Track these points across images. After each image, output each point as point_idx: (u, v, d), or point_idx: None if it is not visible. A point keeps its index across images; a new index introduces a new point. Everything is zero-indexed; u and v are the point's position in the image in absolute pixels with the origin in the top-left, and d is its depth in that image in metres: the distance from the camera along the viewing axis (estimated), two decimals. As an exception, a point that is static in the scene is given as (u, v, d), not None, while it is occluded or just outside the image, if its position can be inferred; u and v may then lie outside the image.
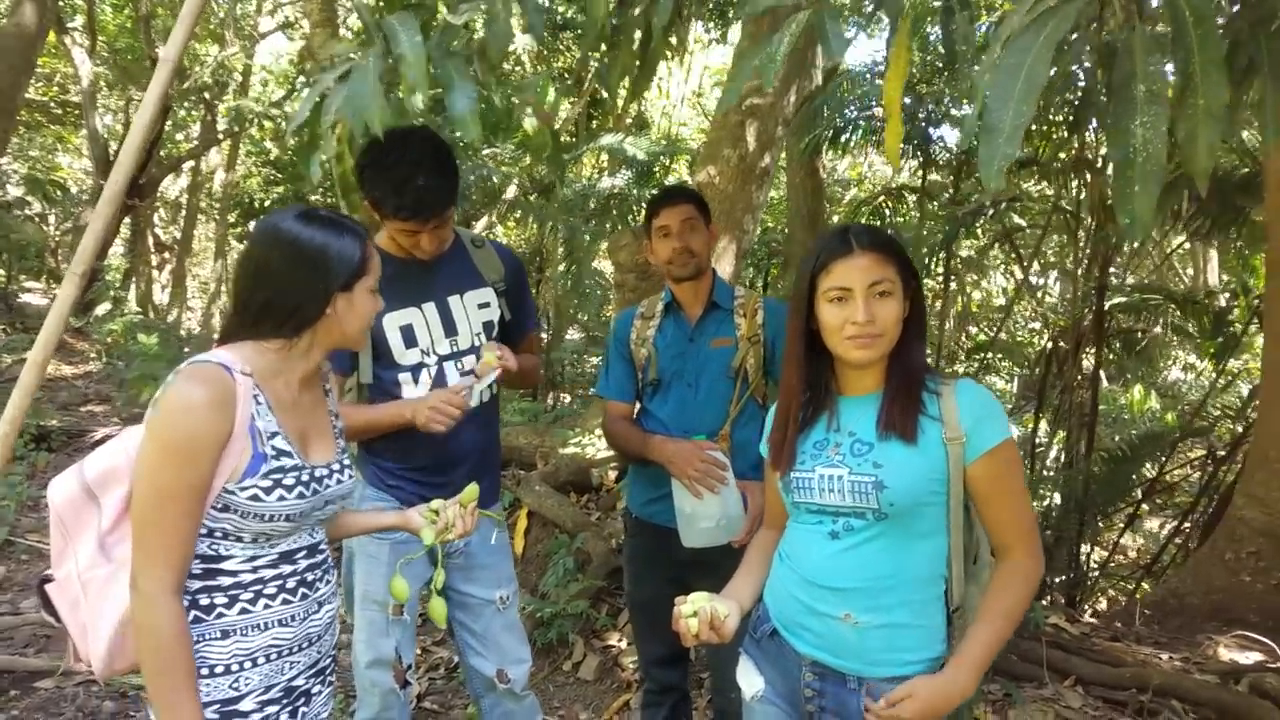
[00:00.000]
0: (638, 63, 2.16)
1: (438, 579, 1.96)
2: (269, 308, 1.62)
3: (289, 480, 1.60)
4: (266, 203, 12.57)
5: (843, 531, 1.69)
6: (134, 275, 16.16)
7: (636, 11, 2.07)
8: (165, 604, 1.48)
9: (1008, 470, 1.65)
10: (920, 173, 7.98)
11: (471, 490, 1.98)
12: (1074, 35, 1.25)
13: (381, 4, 2.22)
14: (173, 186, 19.56)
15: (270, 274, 1.62)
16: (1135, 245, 8.02)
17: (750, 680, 1.86)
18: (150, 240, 17.05)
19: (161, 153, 14.58)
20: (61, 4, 12.13)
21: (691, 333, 2.60)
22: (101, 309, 12.68)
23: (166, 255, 18.49)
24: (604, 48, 2.27)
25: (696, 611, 1.69)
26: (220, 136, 15.92)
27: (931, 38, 6.97)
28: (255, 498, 1.56)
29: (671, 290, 2.65)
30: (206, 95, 14.74)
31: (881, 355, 1.69)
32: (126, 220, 14.92)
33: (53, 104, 16.00)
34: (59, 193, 15.03)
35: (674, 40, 2.22)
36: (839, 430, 1.74)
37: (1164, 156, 1.22)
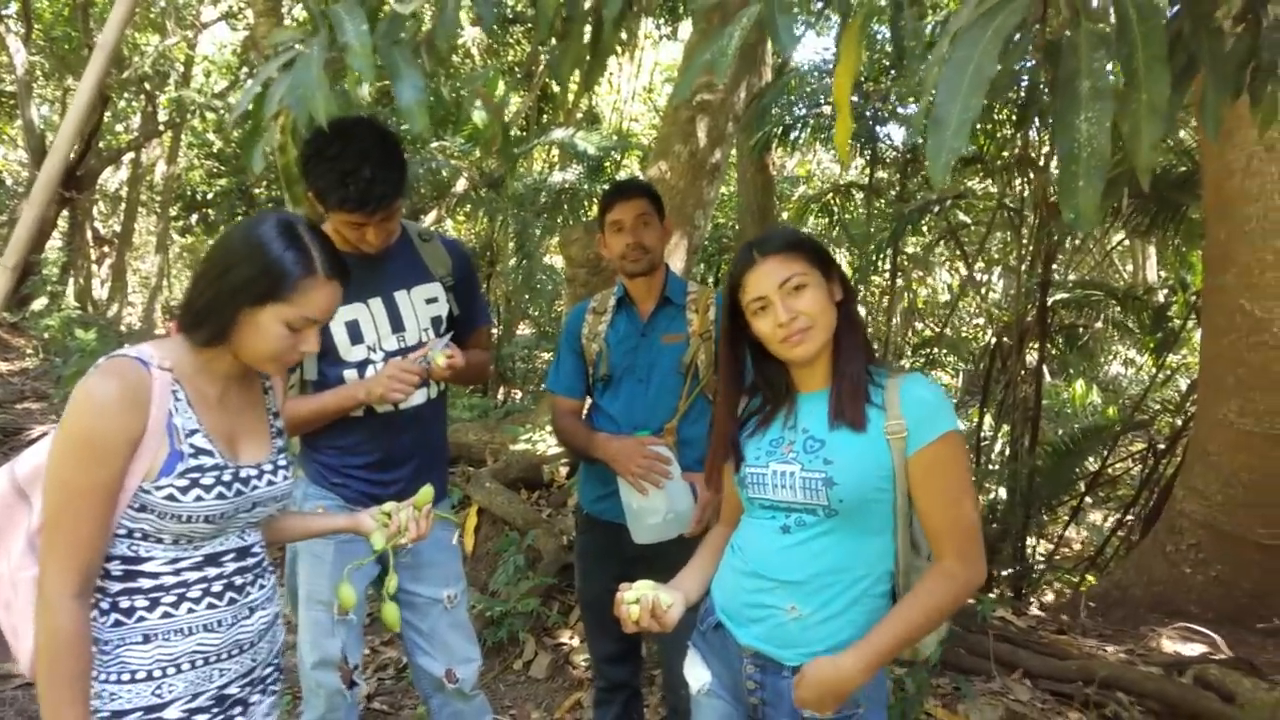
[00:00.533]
0: (588, 55, 2.13)
1: (390, 584, 1.91)
2: (188, 303, 1.58)
3: (207, 480, 1.54)
4: (209, 195, 12.32)
5: (794, 526, 1.70)
6: (72, 269, 15.73)
7: (588, 5, 2.05)
8: (65, 607, 1.43)
9: (949, 464, 1.64)
10: (868, 170, 8.07)
11: (426, 493, 1.94)
12: (1017, 35, 1.26)
13: (324, -9, 2.16)
14: (112, 179, 19.07)
15: (200, 269, 1.59)
16: (1077, 242, 8.18)
17: (697, 673, 1.87)
18: (89, 234, 16.62)
19: (100, 144, 14.22)
20: (-6, -10, 11.78)
21: (643, 328, 2.59)
22: (38, 304, 12.33)
23: (106, 249, 18.03)
24: (554, 40, 2.24)
25: (639, 599, 1.71)
26: (161, 128, 15.56)
27: (879, 37, 7.04)
28: (171, 497, 1.50)
29: (624, 285, 2.64)
30: (147, 85, 14.39)
31: (821, 345, 1.70)
32: (64, 213, 14.53)
33: (-14, 93, 15.51)
34: (-6, 184, 14.61)
35: (624, 35, 2.21)
36: (794, 428, 1.76)
37: (1108, 151, 1.23)
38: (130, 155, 16.50)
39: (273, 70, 2.04)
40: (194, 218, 12.51)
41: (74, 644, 1.44)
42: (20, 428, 7.18)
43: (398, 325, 2.38)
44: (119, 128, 16.52)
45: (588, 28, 2.12)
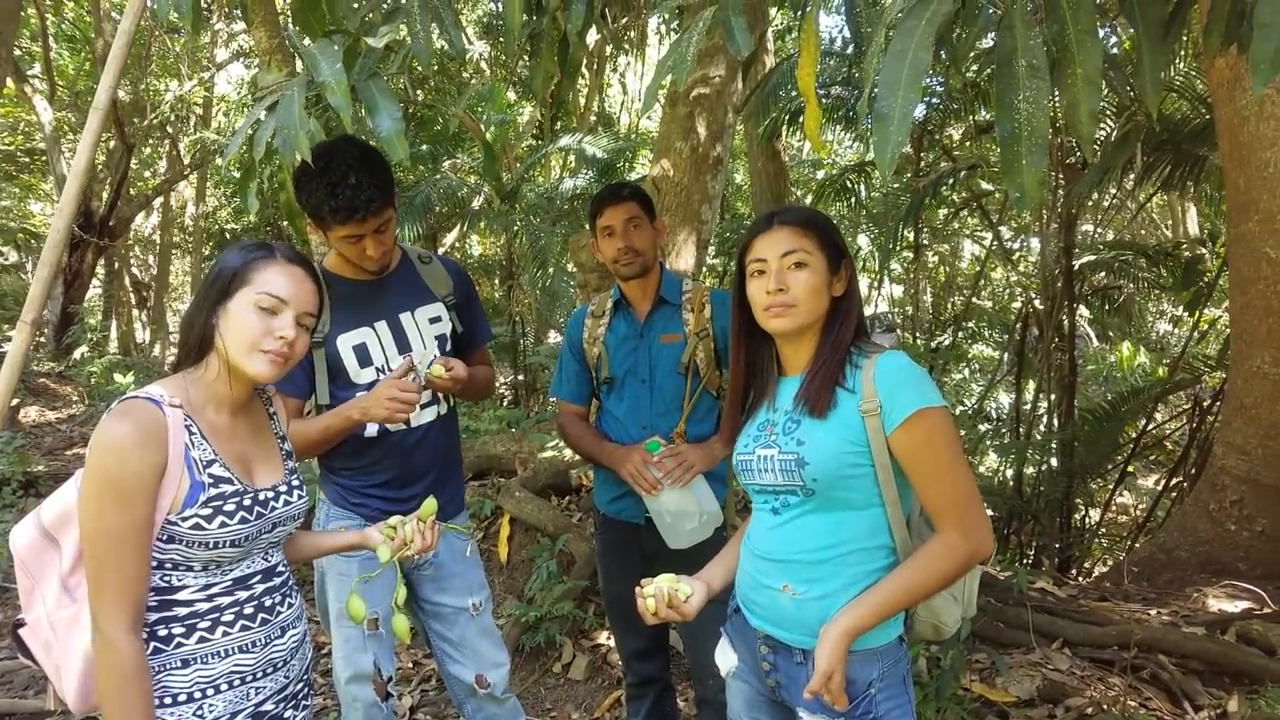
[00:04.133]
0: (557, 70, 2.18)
1: (399, 594, 1.97)
2: (179, 341, 1.69)
3: (229, 506, 1.60)
4: (237, 232, 12.53)
5: (781, 508, 1.73)
6: (114, 315, 16.09)
7: (551, 20, 2.09)
8: (122, 642, 1.49)
9: (931, 440, 1.61)
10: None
11: (429, 505, 1.99)
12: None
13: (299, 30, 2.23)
14: (145, 224, 19.45)
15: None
16: (1110, 200, 8.03)
17: (726, 657, 1.90)
18: (126, 280, 16.97)
19: (132, 191, 14.52)
20: (18, 52, 12.05)
21: (641, 329, 2.62)
22: (82, 352, 12.60)
23: (145, 293, 18.41)
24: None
25: (656, 591, 1.75)
26: (186, 170, 15.86)
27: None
28: (197, 526, 1.56)
29: (620, 287, 2.67)
30: (169, 130, 14.66)
31: (799, 327, 1.72)
32: (101, 261, 14.86)
33: (19, 153, 15.89)
34: (33, 241, 14.99)
35: (591, 42, 2.24)
36: (776, 410, 1.78)
37: (1047, 128, 1.25)
38: (160, 199, 16.83)
39: (260, 112, 2.11)
40: (227, 255, 12.71)
41: (135, 676, 1.50)
42: (70, 473, 7.34)
43: (404, 346, 2.44)
44: (147, 173, 16.85)
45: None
